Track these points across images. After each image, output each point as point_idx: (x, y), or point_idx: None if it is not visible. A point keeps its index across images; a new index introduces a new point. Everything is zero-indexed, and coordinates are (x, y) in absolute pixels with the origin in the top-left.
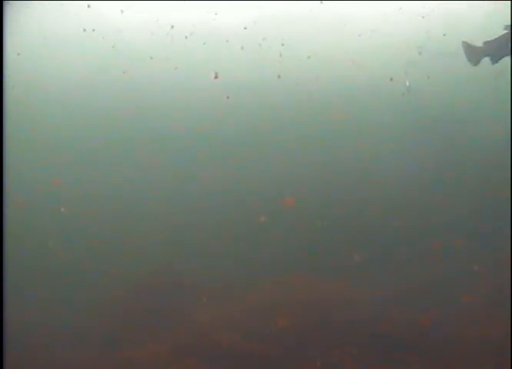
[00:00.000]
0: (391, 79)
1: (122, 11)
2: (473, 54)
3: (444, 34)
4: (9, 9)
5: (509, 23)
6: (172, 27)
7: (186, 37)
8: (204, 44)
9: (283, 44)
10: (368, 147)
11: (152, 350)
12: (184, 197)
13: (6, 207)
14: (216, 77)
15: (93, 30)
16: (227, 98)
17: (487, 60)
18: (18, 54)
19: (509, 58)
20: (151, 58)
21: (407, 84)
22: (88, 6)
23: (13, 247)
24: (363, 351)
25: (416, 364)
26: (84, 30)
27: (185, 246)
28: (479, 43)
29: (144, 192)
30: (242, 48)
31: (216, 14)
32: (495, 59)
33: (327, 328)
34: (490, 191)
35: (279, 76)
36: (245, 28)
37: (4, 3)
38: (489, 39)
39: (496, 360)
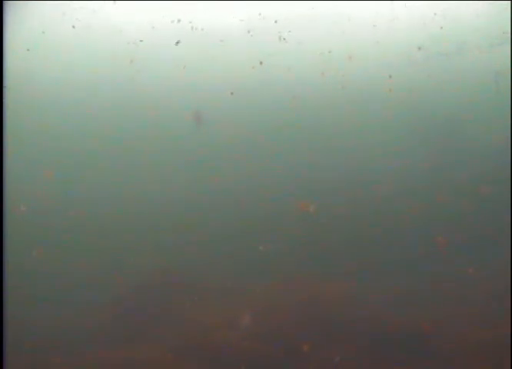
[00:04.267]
0: (390, 76)
1: (115, 3)
2: None
3: (444, 35)
4: (9, 9)
5: (508, 24)
6: (179, 21)
7: (190, 31)
8: (205, 42)
9: (284, 39)
10: (368, 146)
11: (152, 350)
12: (186, 197)
13: (7, 207)
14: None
15: (94, 28)
16: (232, 94)
17: (487, 60)
18: (28, 49)
19: (509, 57)
20: (157, 56)
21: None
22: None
23: (13, 247)
24: (363, 351)
25: (416, 364)
26: (75, 27)
27: (185, 246)
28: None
29: (147, 192)
30: (245, 45)
31: (242, 20)
32: None
33: (328, 329)
34: (490, 190)
35: (282, 73)
36: (247, 26)
37: (4, 3)
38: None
39: (496, 360)
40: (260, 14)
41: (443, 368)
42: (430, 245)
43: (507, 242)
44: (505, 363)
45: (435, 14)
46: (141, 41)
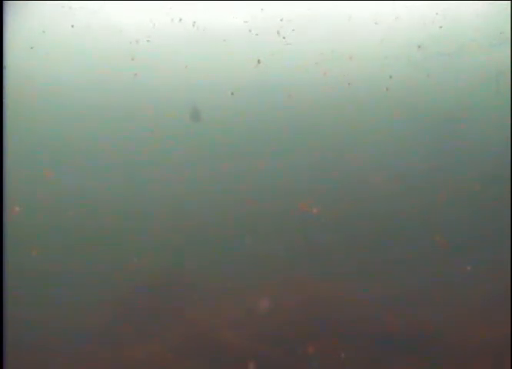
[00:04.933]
0: (391, 77)
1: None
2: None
3: (445, 34)
4: (9, 9)
5: (508, 24)
6: (180, 20)
7: (192, 30)
8: (208, 41)
9: (284, 38)
10: (369, 146)
11: (152, 350)
12: (186, 196)
13: (7, 207)
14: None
15: (94, 28)
16: (232, 94)
17: (487, 60)
18: (32, 47)
19: (509, 57)
20: (158, 55)
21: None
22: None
23: (13, 247)
24: (362, 351)
25: (415, 363)
26: (75, 27)
27: (186, 247)
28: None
29: (147, 191)
30: (246, 45)
31: (245, 21)
32: None
33: (327, 328)
34: (490, 190)
35: (284, 73)
36: (247, 25)
37: (4, 3)
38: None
39: (496, 360)
40: (262, 10)
41: (443, 368)
42: (430, 245)
43: (506, 242)
44: (505, 363)
45: (437, 13)
46: (147, 41)
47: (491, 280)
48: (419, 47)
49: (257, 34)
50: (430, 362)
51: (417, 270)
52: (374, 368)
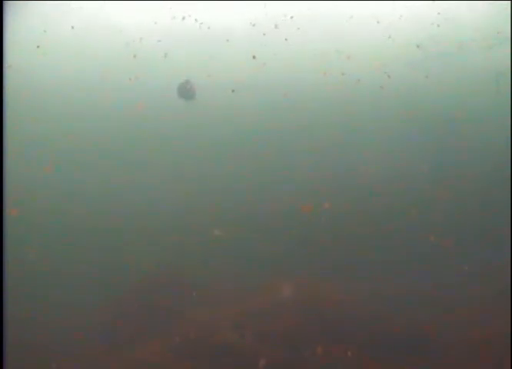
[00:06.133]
0: (389, 77)
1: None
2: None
3: (444, 34)
4: (9, 9)
5: (508, 24)
6: (183, 18)
7: (195, 28)
8: (210, 40)
9: (287, 40)
10: (368, 146)
11: (152, 350)
12: (187, 196)
13: (7, 207)
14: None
15: (95, 28)
16: (232, 91)
17: (487, 60)
18: (38, 46)
19: (509, 57)
20: (160, 55)
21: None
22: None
23: (13, 247)
24: (362, 351)
25: (415, 362)
26: (74, 27)
27: (186, 246)
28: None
29: (147, 192)
30: (247, 44)
31: (250, 23)
32: None
33: (327, 328)
34: (490, 191)
35: (285, 72)
36: (249, 25)
37: (4, 3)
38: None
39: (496, 360)
40: (264, 6)
41: (443, 368)
42: (430, 245)
43: (506, 242)
44: (505, 363)
45: (438, 13)
46: (158, 41)
47: (491, 280)
48: (418, 46)
49: (262, 34)
50: (430, 362)
51: (417, 270)
52: (374, 368)
